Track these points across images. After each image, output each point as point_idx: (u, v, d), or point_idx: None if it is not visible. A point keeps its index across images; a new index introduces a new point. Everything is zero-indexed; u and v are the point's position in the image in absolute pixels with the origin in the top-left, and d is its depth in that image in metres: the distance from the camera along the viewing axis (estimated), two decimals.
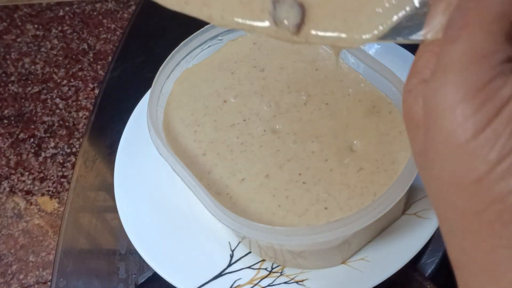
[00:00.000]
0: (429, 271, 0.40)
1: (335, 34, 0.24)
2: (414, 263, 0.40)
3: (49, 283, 0.54)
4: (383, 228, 0.39)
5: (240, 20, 0.25)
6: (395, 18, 0.22)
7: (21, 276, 0.61)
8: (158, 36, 0.63)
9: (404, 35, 0.22)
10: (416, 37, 0.21)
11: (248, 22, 0.25)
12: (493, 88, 0.17)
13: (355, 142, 0.38)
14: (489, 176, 0.17)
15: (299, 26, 0.24)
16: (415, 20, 0.22)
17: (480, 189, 0.18)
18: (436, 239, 0.40)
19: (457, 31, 0.18)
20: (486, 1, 0.18)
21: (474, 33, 0.18)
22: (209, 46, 0.45)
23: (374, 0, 0.22)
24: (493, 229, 0.18)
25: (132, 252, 0.47)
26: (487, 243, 0.18)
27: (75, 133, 0.71)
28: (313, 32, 0.24)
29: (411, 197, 0.40)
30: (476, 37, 0.18)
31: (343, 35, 0.23)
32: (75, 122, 0.72)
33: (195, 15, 0.26)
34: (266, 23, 0.25)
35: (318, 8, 0.24)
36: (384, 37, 0.23)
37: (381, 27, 0.22)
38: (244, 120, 0.41)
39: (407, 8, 0.22)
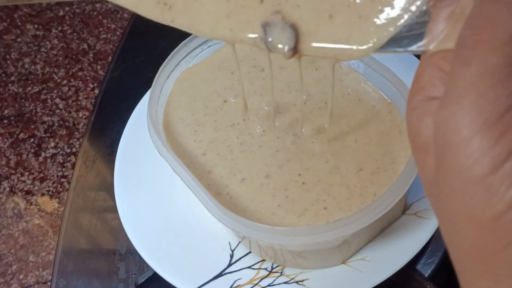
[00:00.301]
0: (429, 271, 0.40)
1: (332, 47, 0.23)
2: (414, 263, 0.40)
3: (49, 283, 0.53)
4: (383, 228, 0.39)
5: (235, 44, 0.25)
6: (391, 29, 0.21)
7: (21, 276, 0.61)
8: (158, 36, 0.63)
9: (404, 45, 0.21)
10: (417, 48, 0.20)
11: (241, 44, 0.25)
12: (511, 118, 0.16)
13: (355, 142, 0.38)
14: (508, 215, 0.16)
15: (294, 48, 0.23)
16: (415, 29, 0.21)
17: (499, 227, 0.17)
18: (436, 239, 0.40)
19: (469, 52, 0.17)
20: (498, 18, 0.17)
21: (487, 54, 0.17)
22: (209, 46, 0.45)
23: (368, 17, 0.22)
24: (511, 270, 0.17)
25: (132, 252, 0.47)
26: (504, 284, 0.17)
27: (75, 133, 0.71)
28: (311, 46, 0.23)
29: (411, 197, 0.40)
30: (490, 59, 0.17)
31: (341, 47, 0.23)
32: (75, 122, 0.72)
33: (186, 31, 0.26)
34: (261, 48, 0.24)
35: (310, 33, 0.23)
36: (382, 48, 0.22)
37: (375, 40, 0.22)
38: (244, 120, 0.41)
39: (406, 17, 0.21)
